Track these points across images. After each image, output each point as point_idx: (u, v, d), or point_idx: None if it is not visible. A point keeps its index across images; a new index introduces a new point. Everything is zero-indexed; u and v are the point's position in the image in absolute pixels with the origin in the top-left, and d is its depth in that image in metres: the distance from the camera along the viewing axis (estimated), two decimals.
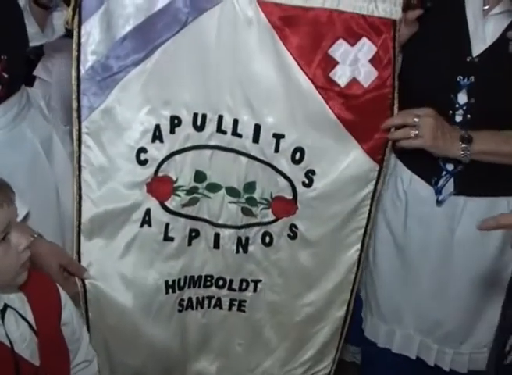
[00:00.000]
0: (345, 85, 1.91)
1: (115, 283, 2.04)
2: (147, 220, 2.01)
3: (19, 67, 2.10)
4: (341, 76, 1.91)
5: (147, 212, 2.00)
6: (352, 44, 1.90)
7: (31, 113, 2.18)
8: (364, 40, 1.89)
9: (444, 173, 2.01)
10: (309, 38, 1.89)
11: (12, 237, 1.63)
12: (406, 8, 1.89)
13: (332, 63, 1.90)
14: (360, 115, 1.93)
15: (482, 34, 1.91)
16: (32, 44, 2.10)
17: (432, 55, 1.94)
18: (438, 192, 2.02)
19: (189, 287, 2.15)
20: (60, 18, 2.04)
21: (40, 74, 2.56)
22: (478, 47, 1.92)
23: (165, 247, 2.06)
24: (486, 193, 2.01)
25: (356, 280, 2.14)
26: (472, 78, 1.91)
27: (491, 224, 1.49)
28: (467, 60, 1.92)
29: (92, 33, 1.83)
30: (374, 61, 1.90)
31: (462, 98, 1.93)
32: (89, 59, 1.84)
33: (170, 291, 2.12)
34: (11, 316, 1.68)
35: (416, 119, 1.86)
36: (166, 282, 2.10)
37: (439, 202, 2.03)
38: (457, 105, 1.93)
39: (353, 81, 1.91)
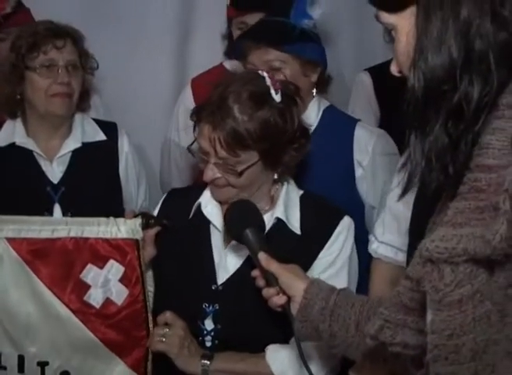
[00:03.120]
0: (100, 306, 2.02)
1: None
2: None
3: None
4: (95, 298, 2.02)
5: None
6: (101, 267, 2.02)
7: None
8: (112, 261, 2.02)
9: None
10: (60, 266, 2.02)
11: None
12: (145, 227, 2.04)
13: (85, 287, 2.02)
14: (118, 332, 2.03)
15: (225, 264, 2.02)
16: None
17: (179, 283, 2.05)
18: None
19: None
20: None
21: None
22: (222, 275, 2.02)
23: None
24: None
25: None
26: (217, 305, 1.99)
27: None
28: (213, 288, 2.01)
29: None
30: (124, 280, 2.02)
31: (209, 324, 2.00)
32: None
33: None
34: None
35: (166, 330, 1.95)
36: None
37: None
38: (205, 332, 2.01)
39: (108, 301, 2.02)
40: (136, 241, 2.03)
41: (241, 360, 1.96)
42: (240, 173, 1.90)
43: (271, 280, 1.69)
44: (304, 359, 1.62)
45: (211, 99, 1.92)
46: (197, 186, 2.20)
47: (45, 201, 2.53)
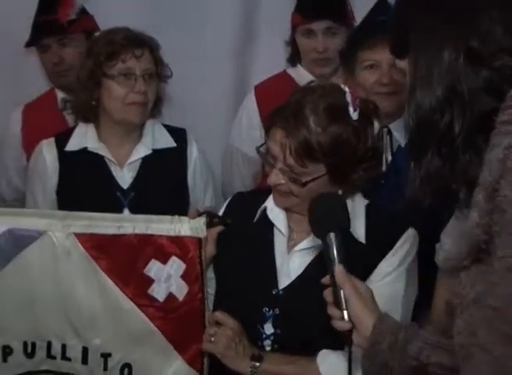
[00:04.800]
0: (163, 300, 2.07)
1: None
2: None
3: None
4: (159, 292, 2.07)
5: None
6: (164, 263, 2.08)
7: None
8: (174, 258, 2.08)
9: None
10: (124, 261, 2.08)
11: None
12: (209, 226, 2.09)
13: (149, 281, 2.07)
14: (178, 327, 2.08)
15: (287, 269, 2.02)
16: None
17: (240, 286, 2.06)
18: None
19: None
20: None
21: None
22: (283, 280, 2.02)
23: None
24: None
25: None
26: (277, 310, 2.00)
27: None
28: (273, 293, 2.02)
29: None
30: (185, 276, 2.08)
31: (269, 328, 2.01)
32: None
33: None
34: None
35: (216, 329, 1.98)
36: None
37: None
38: (264, 336, 2.03)
39: (171, 296, 2.07)
40: (199, 239, 2.08)
41: (290, 362, 1.96)
42: (304, 184, 1.91)
43: (340, 300, 1.61)
44: None
45: (288, 105, 1.93)
46: (263, 190, 2.22)
47: (115, 205, 2.58)
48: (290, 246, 2.04)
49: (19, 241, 2.06)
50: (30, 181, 2.79)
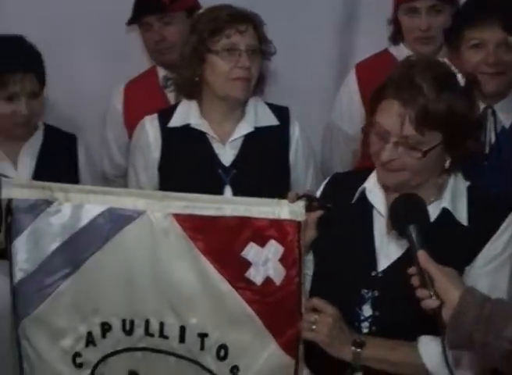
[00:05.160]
0: (261, 284, 2.06)
1: None
2: None
3: None
4: (256, 275, 2.06)
5: None
6: (262, 246, 2.06)
7: None
8: (272, 241, 2.05)
9: None
10: (222, 243, 2.07)
11: None
12: (308, 210, 2.06)
13: (247, 264, 2.06)
14: (275, 311, 2.06)
15: (387, 251, 2.02)
16: None
17: (338, 267, 2.06)
18: None
19: None
20: None
21: None
22: (383, 262, 2.02)
23: None
24: None
25: None
26: (376, 292, 2.00)
27: None
28: (372, 275, 2.02)
29: (19, 251, 2.09)
30: (282, 260, 2.05)
31: (367, 310, 2.01)
32: (17, 276, 2.10)
33: None
34: None
35: (316, 316, 1.96)
36: None
37: None
38: (362, 318, 2.01)
39: (268, 280, 2.05)
40: (299, 223, 2.04)
41: (393, 349, 1.94)
42: (425, 153, 1.88)
43: (426, 281, 1.69)
44: (449, 367, 1.66)
45: (396, 77, 1.93)
46: (360, 171, 2.21)
47: (216, 183, 2.61)
48: (390, 228, 2.00)
49: (118, 220, 2.08)
50: (132, 157, 2.82)
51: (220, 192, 2.59)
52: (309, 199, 2.07)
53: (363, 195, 2.08)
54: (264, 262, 2.06)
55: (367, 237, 2.05)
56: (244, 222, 2.06)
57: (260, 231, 2.06)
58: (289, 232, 2.05)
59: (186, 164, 2.66)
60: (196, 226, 2.07)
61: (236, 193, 2.59)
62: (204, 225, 2.07)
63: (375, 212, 2.06)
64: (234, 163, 2.66)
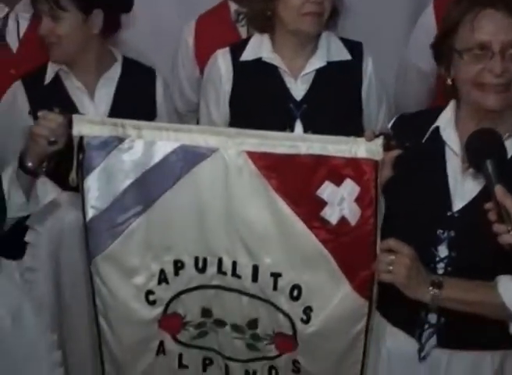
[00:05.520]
0: (336, 223, 2.01)
1: None
2: (161, 350, 2.20)
3: None
4: (331, 215, 2.00)
5: (161, 343, 2.19)
6: (338, 185, 2.00)
7: None
8: (349, 180, 1.99)
9: (427, 326, 2.02)
10: (298, 182, 2.02)
11: None
12: (386, 149, 1.99)
13: (322, 203, 2.01)
14: (349, 251, 2.01)
15: (462, 190, 1.98)
16: (17, 214, 2.22)
17: (413, 208, 2.00)
18: (421, 347, 2.03)
19: None
20: (42, 188, 2.21)
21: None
22: (458, 202, 1.97)
23: (181, 373, 2.22)
24: (471, 346, 2.00)
25: None
26: (452, 232, 1.96)
27: None
28: (448, 215, 1.97)
29: (91, 189, 2.07)
30: (358, 200, 1.99)
31: (443, 251, 1.97)
32: (89, 212, 2.08)
33: None
34: None
35: (392, 257, 1.90)
36: None
37: (422, 358, 2.03)
38: (438, 258, 1.97)
39: (343, 219, 2.00)
40: (376, 162, 1.98)
41: (471, 290, 1.90)
42: None
43: (503, 216, 1.68)
44: None
45: None
46: (428, 110, 2.20)
47: (287, 117, 2.57)
48: (465, 167, 1.97)
49: (191, 157, 2.04)
50: (204, 91, 2.79)
51: (291, 126, 2.56)
52: (387, 138, 1.99)
53: (434, 134, 2.03)
54: (340, 201, 2.00)
55: (440, 177, 2.01)
56: (320, 160, 2.00)
57: (336, 170, 2.00)
58: (366, 171, 1.98)
59: (257, 98, 2.62)
60: (270, 164, 2.02)
61: (306, 128, 2.56)
62: (279, 163, 2.02)
63: (447, 151, 2.02)
64: (305, 98, 2.61)
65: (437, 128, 2.04)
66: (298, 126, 2.58)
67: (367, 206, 1.99)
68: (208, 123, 2.71)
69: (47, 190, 2.21)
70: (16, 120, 2.67)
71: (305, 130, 2.54)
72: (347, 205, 2.00)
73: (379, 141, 1.98)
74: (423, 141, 2.05)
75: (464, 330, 1.97)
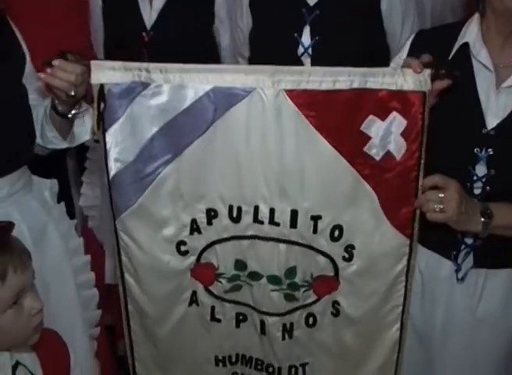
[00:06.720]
0: (380, 158, 1.90)
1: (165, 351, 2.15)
2: (194, 300, 2.09)
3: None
4: (376, 150, 1.89)
5: (194, 293, 2.08)
6: (383, 119, 1.87)
7: (25, 199, 2.16)
8: (395, 114, 1.87)
9: (463, 246, 1.99)
10: (340, 118, 1.87)
11: (24, 301, 1.64)
12: (434, 78, 1.85)
13: (366, 138, 1.88)
14: (391, 188, 1.92)
15: (495, 107, 1.91)
16: (51, 146, 2.15)
17: (448, 127, 1.93)
18: (458, 268, 2.01)
19: (241, 364, 2.19)
20: (80, 125, 2.07)
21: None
22: (492, 119, 1.91)
23: (213, 326, 2.12)
24: (507, 264, 2.00)
25: (398, 361, 2.11)
26: (490, 150, 1.90)
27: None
28: (483, 132, 1.91)
29: (114, 141, 1.88)
30: (404, 134, 1.88)
31: (480, 170, 1.92)
32: (113, 167, 1.90)
33: (220, 364, 2.19)
34: (21, 373, 1.71)
35: (441, 195, 1.83)
36: (216, 357, 2.17)
37: (459, 279, 2.01)
38: (475, 178, 1.92)
39: (387, 154, 1.89)
40: (424, 93, 1.85)
41: None
42: None
43: None
44: None
45: None
46: (450, 25, 2.11)
47: (298, 21, 2.46)
48: (497, 83, 1.91)
49: (225, 100, 1.85)
50: None
51: (299, 31, 2.46)
52: (435, 67, 1.85)
53: (462, 50, 1.95)
54: (385, 135, 1.88)
55: (471, 94, 1.93)
56: (363, 94, 1.86)
57: (381, 103, 1.86)
58: (413, 103, 1.86)
59: (273, 1, 2.54)
60: (311, 102, 1.85)
61: (313, 34, 2.45)
62: (320, 100, 1.85)
63: (476, 68, 1.93)
64: (318, 4, 2.46)
65: (465, 44, 1.94)
66: (306, 32, 2.45)
67: (413, 140, 1.88)
68: (235, 31, 2.65)
69: (82, 131, 2.09)
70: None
71: (312, 37, 2.44)
72: (393, 139, 1.88)
73: (427, 71, 1.84)
74: (449, 57, 1.96)
75: (500, 249, 1.96)
